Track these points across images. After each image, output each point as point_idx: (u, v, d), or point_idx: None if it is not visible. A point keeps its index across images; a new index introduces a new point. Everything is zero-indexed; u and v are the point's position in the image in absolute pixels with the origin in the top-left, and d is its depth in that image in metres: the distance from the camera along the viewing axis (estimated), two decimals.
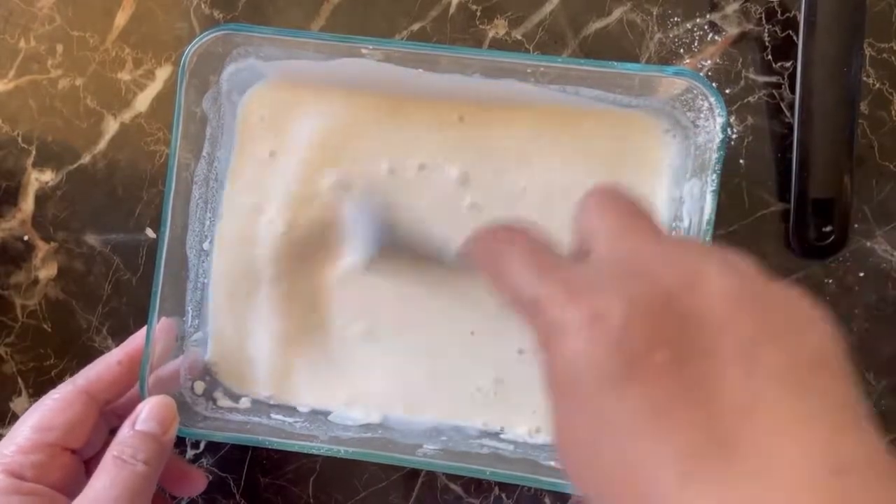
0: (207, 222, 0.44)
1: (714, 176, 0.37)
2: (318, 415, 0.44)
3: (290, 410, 0.44)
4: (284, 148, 0.44)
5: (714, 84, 0.41)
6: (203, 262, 0.44)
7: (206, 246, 0.44)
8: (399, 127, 0.43)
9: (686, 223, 0.40)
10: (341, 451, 0.39)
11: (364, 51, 0.40)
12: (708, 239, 0.38)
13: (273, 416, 0.43)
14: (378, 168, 0.44)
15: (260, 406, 0.44)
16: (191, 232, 0.43)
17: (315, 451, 0.40)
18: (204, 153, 0.43)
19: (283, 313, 0.44)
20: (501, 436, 0.43)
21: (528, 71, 0.40)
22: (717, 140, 0.38)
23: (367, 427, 0.43)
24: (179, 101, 0.40)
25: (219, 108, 0.43)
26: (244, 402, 0.44)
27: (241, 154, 0.44)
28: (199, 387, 0.43)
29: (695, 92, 0.38)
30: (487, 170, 0.43)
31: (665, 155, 0.42)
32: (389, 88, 0.43)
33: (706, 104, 0.38)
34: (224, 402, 0.44)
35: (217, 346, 0.44)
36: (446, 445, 0.42)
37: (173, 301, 0.42)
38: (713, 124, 0.38)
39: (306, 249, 0.44)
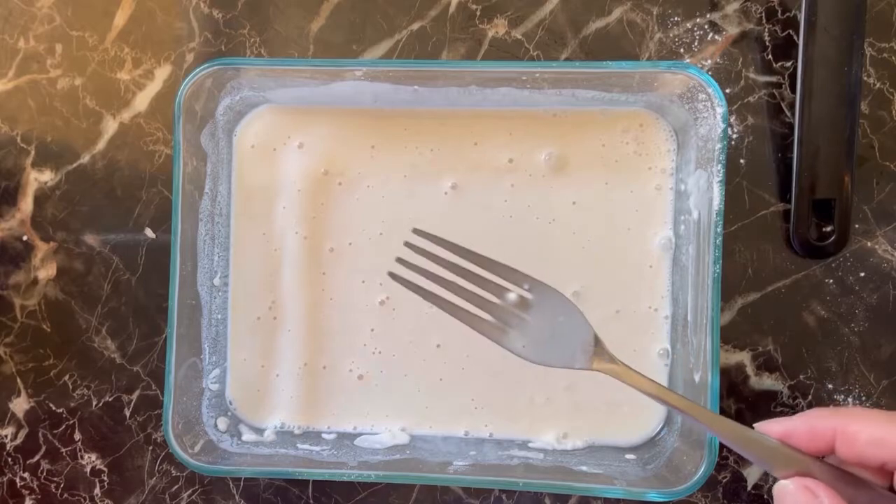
0: (216, 258, 0.44)
1: (720, 166, 0.37)
2: (345, 440, 0.43)
3: (316, 439, 0.44)
4: (283, 173, 0.44)
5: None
6: (215, 297, 0.44)
7: (216, 281, 0.44)
8: (399, 143, 0.43)
9: (695, 215, 0.40)
10: (372, 475, 0.39)
11: (357, 73, 0.40)
12: (719, 230, 0.38)
13: (299, 445, 0.43)
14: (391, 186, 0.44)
15: (285, 437, 0.44)
16: (200, 269, 0.43)
17: (346, 479, 0.39)
18: (206, 189, 0.43)
19: (303, 342, 0.44)
20: (530, 444, 0.43)
21: (524, 78, 0.40)
22: (719, 130, 0.38)
23: (394, 448, 0.43)
24: (177, 140, 0.40)
25: (217, 143, 0.43)
26: (269, 435, 0.44)
27: (240, 185, 0.44)
28: (223, 423, 0.43)
29: (694, 85, 0.38)
30: (477, 177, 0.43)
31: (669, 149, 0.42)
32: (386, 105, 0.43)
33: (705, 96, 0.38)
34: (249, 436, 0.44)
35: (236, 379, 0.44)
36: (476, 460, 0.41)
37: (189, 341, 0.42)
38: (714, 115, 0.38)
39: (323, 277, 0.44)
